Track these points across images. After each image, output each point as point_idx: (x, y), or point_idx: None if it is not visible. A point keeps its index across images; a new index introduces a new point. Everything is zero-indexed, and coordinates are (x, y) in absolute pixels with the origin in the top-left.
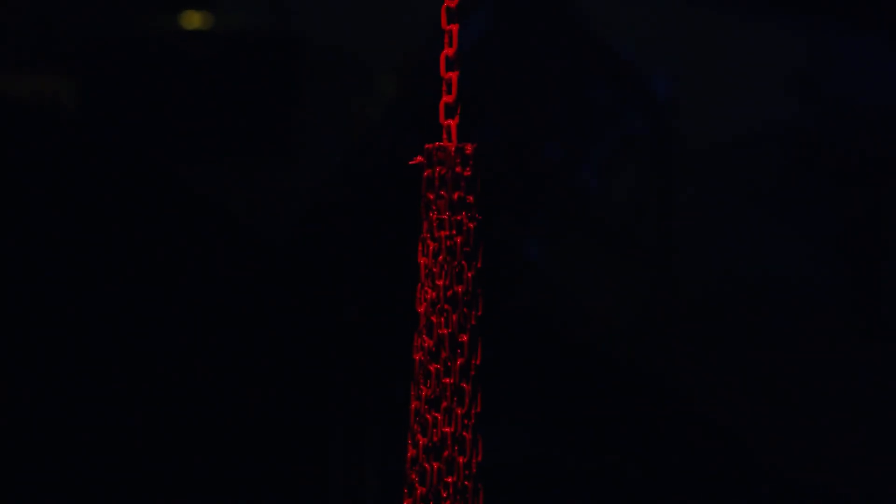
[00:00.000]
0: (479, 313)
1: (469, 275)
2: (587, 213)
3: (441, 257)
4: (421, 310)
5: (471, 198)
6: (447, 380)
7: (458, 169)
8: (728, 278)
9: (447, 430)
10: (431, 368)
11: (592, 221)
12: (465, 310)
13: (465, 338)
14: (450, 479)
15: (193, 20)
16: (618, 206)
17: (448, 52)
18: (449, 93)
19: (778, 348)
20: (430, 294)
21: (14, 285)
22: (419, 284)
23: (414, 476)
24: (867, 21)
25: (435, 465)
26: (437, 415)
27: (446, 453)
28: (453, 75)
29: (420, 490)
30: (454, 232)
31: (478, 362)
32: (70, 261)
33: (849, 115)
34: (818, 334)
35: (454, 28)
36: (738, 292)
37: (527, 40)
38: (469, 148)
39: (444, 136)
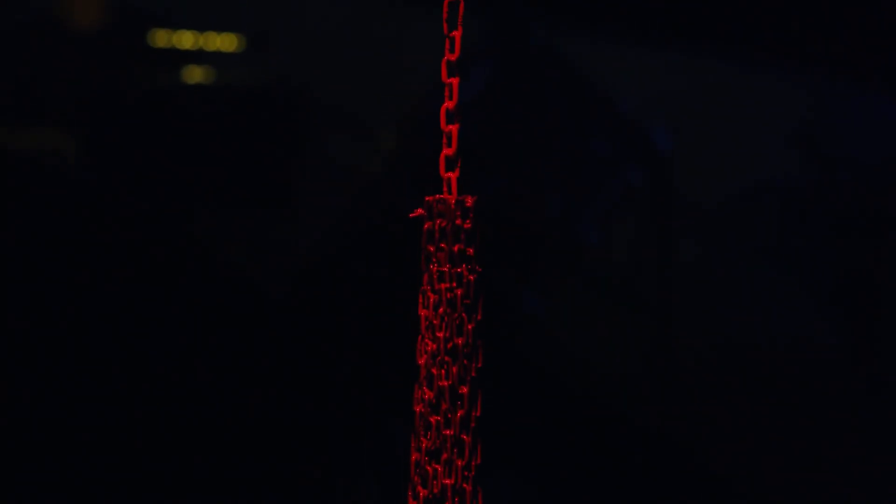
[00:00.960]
0: (480, 365)
1: (469, 327)
2: (587, 266)
3: (441, 309)
4: (421, 362)
5: (471, 250)
6: (447, 431)
7: (458, 221)
8: (727, 331)
9: (447, 481)
10: (432, 420)
11: (592, 274)
12: (465, 362)
13: (465, 390)
14: None
15: (195, 75)
16: (617, 259)
17: (448, 105)
18: (449, 146)
19: (778, 401)
20: (431, 346)
21: (19, 337)
22: (420, 336)
23: None
24: (866, 79)
25: None
26: (437, 466)
27: None
28: (453, 128)
29: None
30: (454, 284)
31: (478, 414)
32: (75, 310)
33: (847, 171)
34: (817, 387)
35: (454, 81)
36: (738, 345)
37: (527, 94)
38: (469, 201)
39: (445, 188)
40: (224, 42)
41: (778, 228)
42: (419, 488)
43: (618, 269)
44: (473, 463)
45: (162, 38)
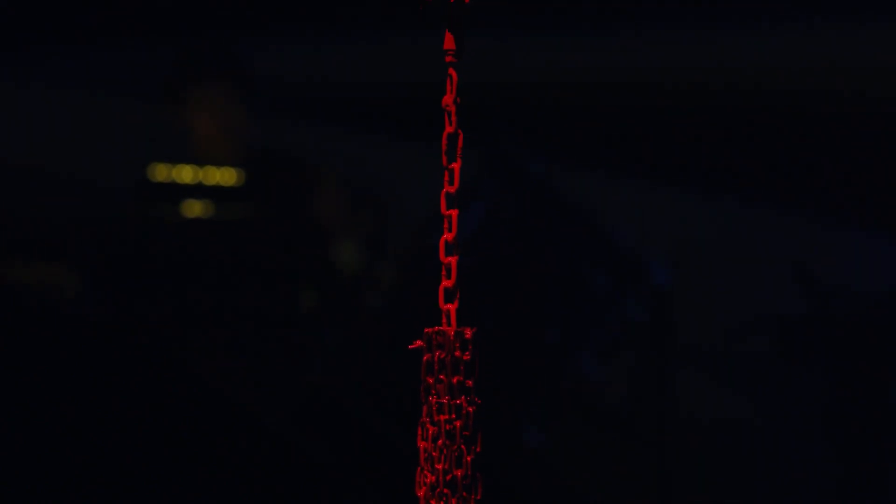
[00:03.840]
0: (479, 497)
1: (468, 459)
2: (586, 400)
3: (440, 441)
4: (420, 494)
5: (470, 382)
6: None
7: (457, 353)
8: (726, 468)
9: None
10: None
11: (591, 409)
12: (464, 494)
13: None
14: None
15: (194, 209)
16: (617, 393)
17: (447, 236)
18: (448, 277)
19: None
20: (430, 478)
21: (14, 479)
22: (418, 468)
23: None
24: (861, 214)
25: None
26: None
27: None
28: (452, 260)
29: None
30: (454, 416)
31: None
32: (71, 452)
33: (845, 305)
34: None
35: (454, 213)
36: (737, 481)
37: (525, 227)
38: (468, 332)
39: (444, 320)
40: (223, 176)
41: (776, 362)
42: None
43: (617, 404)
44: None
45: (161, 172)
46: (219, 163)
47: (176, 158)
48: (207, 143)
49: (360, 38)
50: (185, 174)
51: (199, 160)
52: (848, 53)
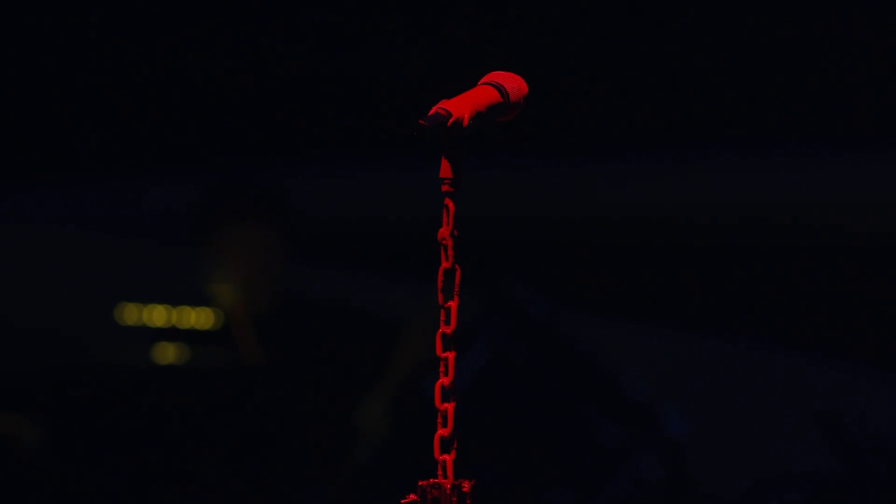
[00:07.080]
0: None
1: None
2: None
3: None
4: None
5: None
6: None
7: None
8: None
9: None
10: None
11: None
12: None
13: None
14: None
15: (167, 354)
16: None
17: (444, 381)
18: (445, 425)
19: None
20: None
21: None
22: None
23: None
24: (892, 363)
25: None
26: None
27: None
28: (449, 407)
29: None
30: None
31: None
32: None
33: (878, 460)
34: None
35: (450, 356)
36: None
37: (528, 375)
38: (466, 485)
39: (440, 472)
40: (199, 318)
41: None
42: None
43: None
44: None
45: (132, 313)
46: (248, 304)
47: (147, 298)
48: (236, 282)
49: (351, 171)
50: (158, 316)
51: (221, 303)
52: (886, 191)
